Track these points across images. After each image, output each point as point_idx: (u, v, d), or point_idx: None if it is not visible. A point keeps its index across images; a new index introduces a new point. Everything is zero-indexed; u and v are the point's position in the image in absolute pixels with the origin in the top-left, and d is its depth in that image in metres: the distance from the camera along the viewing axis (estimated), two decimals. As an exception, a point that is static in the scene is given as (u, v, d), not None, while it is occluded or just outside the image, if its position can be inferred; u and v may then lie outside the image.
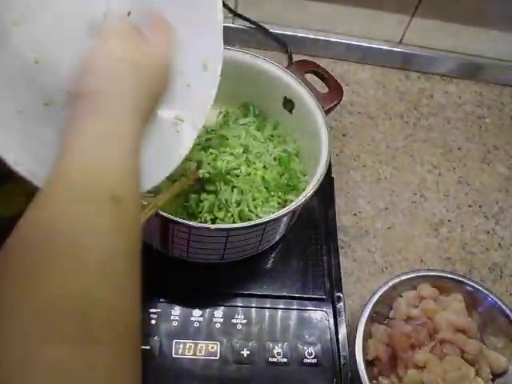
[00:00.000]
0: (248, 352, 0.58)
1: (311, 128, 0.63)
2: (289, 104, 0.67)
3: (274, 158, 0.66)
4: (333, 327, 0.61)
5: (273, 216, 0.54)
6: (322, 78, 0.70)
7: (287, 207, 0.55)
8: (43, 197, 0.33)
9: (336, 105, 0.68)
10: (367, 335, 0.59)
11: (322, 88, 0.69)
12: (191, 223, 0.53)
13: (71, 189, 0.33)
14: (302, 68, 0.69)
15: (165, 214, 0.52)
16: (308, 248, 0.67)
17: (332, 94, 0.68)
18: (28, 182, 0.41)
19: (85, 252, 0.30)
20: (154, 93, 0.43)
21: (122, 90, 0.40)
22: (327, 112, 0.66)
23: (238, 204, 0.60)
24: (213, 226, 0.54)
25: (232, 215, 0.60)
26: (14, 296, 0.28)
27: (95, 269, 0.30)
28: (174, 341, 0.58)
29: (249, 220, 0.59)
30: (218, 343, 0.58)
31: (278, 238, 0.64)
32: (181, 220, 0.52)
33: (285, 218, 0.59)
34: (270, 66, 0.66)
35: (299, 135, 0.69)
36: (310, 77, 0.70)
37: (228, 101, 0.70)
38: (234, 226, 0.54)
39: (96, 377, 0.27)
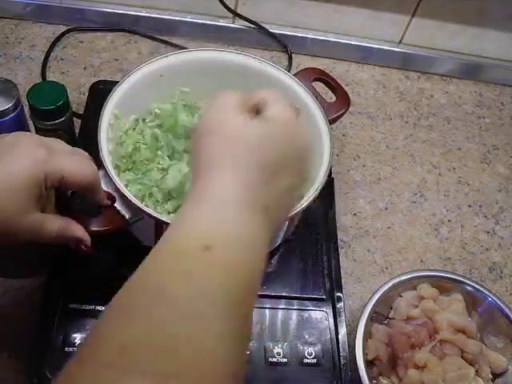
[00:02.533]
0: (248, 352, 0.58)
1: (314, 136, 0.63)
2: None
3: None
4: (333, 327, 0.61)
5: None
6: (330, 87, 0.69)
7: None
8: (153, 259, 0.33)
9: (342, 114, 0.67)
10: (367, 335, 0.59)
11: (326, 94, 0.68)
12: None
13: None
14: (309, 75, 0.68)
15: (158, 216, 0.52)
16: (308, 248, 0.67)
17: (339, 103, 0.67)
18: None
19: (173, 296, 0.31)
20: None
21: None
22: (333, 121, 0.65)
23: None
24: None
25: None
26: (107, 329, 0.29)
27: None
28: (174, 341, 0.57)
29: None
30: (218, 343, 0.58)
31: (276, 244, 0.64)
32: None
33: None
34: (278, 71, 0.65)
35: None
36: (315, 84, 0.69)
37: None
38: None
39: None
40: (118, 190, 0.53)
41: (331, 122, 0.64)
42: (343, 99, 0.68)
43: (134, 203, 0.52)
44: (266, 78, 0.66)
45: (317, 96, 0.65)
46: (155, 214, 0.52)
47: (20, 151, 0.43)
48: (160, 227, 0.54)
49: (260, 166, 0.36)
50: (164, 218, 0.53)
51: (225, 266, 0.33)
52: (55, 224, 0.47)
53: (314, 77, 0.68)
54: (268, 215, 0.36)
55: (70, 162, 0.46)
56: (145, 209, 0.52)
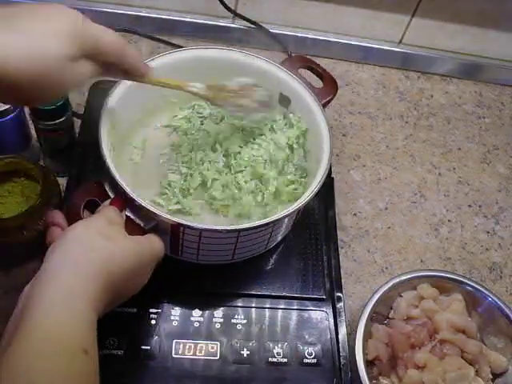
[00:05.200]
0: (248, 352, 0.58)
1: (310, 124, 0.63)
2: (285, 100, 0.66)
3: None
4: (333, 327, 0.61)
5: (281, 214, 0.54)
6: (316, 73, 0.70)
7: (292, 206, 0.55)
8: (20, 346, 0.37)
9: (331, 99, 0.67)
10: (367, 335, 0.59)
11: (317, 83, 0.69)
12: (201, 226, 0.53)
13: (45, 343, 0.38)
14: (295, 63, 0.68)
15: (175, 219, 0.52)
16: (308, 248, 0.67)
17: (327, 88, 0.68)
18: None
19: None
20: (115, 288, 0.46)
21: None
22: (323, 106, 0.65)
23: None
24: (221, 228, 0.54)
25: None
26: None
27: None
28: (174, 341, 0.57)
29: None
30: (218, 343, 0.58)
31: (276, 241, 0.64)
32: (190, 223, 0.52)
33: (286, 220, 0.59)
34: (264, 62, 0.66)
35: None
36: (303, 72, 0.69)
37: None
38: (243, 226, 0.54)
39: None
40: (129, 198, 0.52)
41: (322, 106, 0.64)
42: (331, 84, 0.68)
43: (145, 207, 0.52)
44: (254, 71, 0.66)
45: (306, 83, 0.65)
46: (167, 216, 0.52)
47: (63, 9, 0.44)
48: (176, 228, 0.54)
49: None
50: (180, 220, 0.52)
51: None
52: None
53: (299, 65, 0.69)
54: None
55: (103, 29, 0.47)
56: (155, 211, 0.52)
